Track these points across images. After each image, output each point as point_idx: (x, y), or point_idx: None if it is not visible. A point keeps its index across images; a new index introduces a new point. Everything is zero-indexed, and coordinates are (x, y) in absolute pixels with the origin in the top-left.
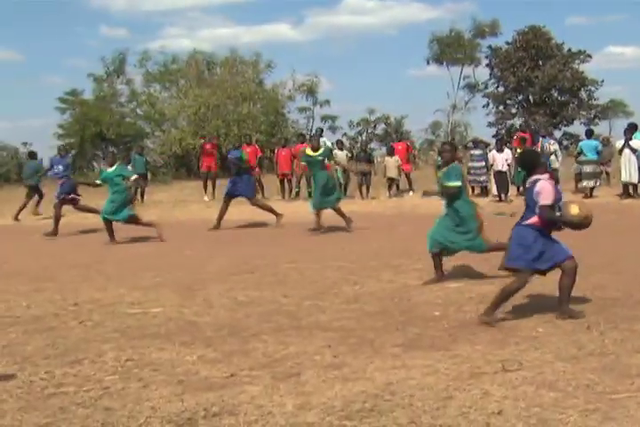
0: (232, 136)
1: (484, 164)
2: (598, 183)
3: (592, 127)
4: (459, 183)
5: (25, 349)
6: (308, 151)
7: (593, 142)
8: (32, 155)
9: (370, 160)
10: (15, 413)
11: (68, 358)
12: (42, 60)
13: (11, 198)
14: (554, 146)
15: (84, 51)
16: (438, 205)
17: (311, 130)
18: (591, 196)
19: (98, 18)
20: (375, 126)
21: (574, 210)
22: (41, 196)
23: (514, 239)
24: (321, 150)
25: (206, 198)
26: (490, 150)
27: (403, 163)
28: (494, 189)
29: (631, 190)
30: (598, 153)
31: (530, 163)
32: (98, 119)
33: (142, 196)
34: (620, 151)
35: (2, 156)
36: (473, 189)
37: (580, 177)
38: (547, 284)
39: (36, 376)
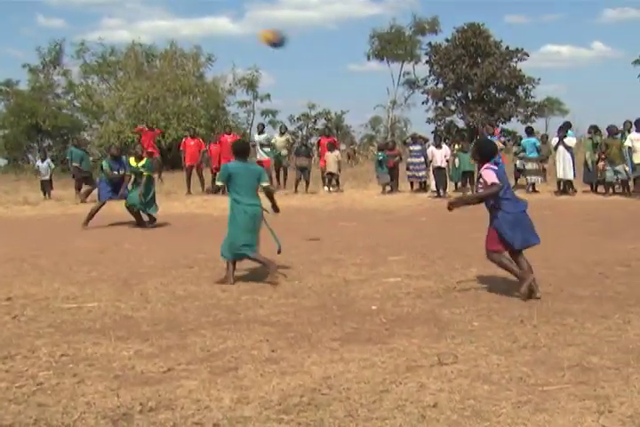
0: (172, 129)
1: (422, 159)
2: (541, 180)
3: (529, 124)
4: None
5: None
6: (132, 162)
7: (532, 140)
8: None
9: (309, 155)
10: None
11: (0, 353)
12: None
13: None
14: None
15: (19, 40)
16: (377, 200)
17: (251, 124)
18: (535, 191)
19: (34, 7)
20: (316, 121)
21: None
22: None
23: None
24: (143, 161)
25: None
26: (428, 146)
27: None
28: (433, 185)
29: (566, 187)
30: (538, 150)
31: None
32: (33, 111)
33: (80, 189)
34: (555, 148)
35: None
36: (412, 184)
37: (520, 173)
38: (482, 279)
39: None
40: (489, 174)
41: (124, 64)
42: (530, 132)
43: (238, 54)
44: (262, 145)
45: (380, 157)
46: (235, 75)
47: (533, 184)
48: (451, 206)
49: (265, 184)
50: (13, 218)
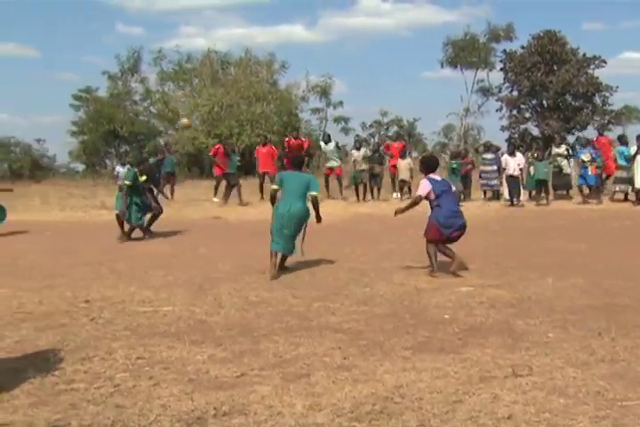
0: (245, 136)
1: (495, 167)
2: (630, 189)
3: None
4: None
5: (36, 345)
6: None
7: (622, 148)
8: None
9: (382, 162)
10: (26, 408)
11: (79, 354)
12: (58, 56)
13: (24, 194)
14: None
15: (99, 48)
16: None
17: (324, 131)
18: (617, 199)
19: (114, 15)
20: (388, 128)
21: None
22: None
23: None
24: (144, 177)
25: (215, 199)
26: (502, 154)
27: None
28: (506, 194)
29: None
30: (627, 159)
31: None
32: (111, 117)
33: (172, 193)
34: (634, 157)
35: (15, 152)
36: (485, 192)
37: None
38: (557, 289)
39: (47, 372)
40: (420, 186)
41: (200, 71)
42: (622, 139)
43: (312, 61)
44: (334, 156)
45: (454, 165)
46: (308, 82)
47: (614, 192)
48: (396, 214)
49: (314, 193)
50: (91, 222)
